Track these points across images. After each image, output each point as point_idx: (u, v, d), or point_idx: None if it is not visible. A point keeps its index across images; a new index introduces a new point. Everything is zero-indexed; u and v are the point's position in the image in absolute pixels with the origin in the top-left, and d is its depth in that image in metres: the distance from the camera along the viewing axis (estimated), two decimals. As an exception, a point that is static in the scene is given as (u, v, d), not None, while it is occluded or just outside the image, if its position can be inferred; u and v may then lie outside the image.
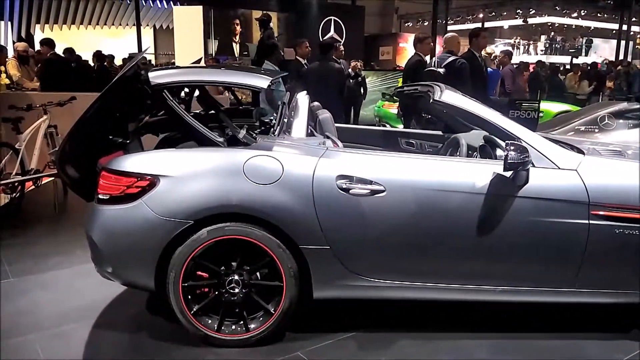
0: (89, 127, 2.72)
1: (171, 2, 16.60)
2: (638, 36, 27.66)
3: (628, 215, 2.51)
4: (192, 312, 2.54)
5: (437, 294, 2.65)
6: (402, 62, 19.83)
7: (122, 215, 2.48)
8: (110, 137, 2.91)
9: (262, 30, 8.70)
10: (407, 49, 22.67)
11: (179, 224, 2.44)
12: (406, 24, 26.31)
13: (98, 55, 9.62)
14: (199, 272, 2.55)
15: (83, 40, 17.37)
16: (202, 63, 6.64)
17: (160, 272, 2.51)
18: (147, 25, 20.10)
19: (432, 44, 5.75)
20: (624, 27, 20.41)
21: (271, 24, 8.87)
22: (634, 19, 21.54)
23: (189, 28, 7.18)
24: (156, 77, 2.69)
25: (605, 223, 2.51)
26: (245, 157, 2.50)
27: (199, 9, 7.54)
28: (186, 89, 3.68)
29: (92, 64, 9.78)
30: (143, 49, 14.37)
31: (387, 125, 8.59)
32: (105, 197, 2.51)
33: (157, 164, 2.51)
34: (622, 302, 2.66)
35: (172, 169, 2.49)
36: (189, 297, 2.55)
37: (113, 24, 19.65)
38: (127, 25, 19.85)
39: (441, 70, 5.05)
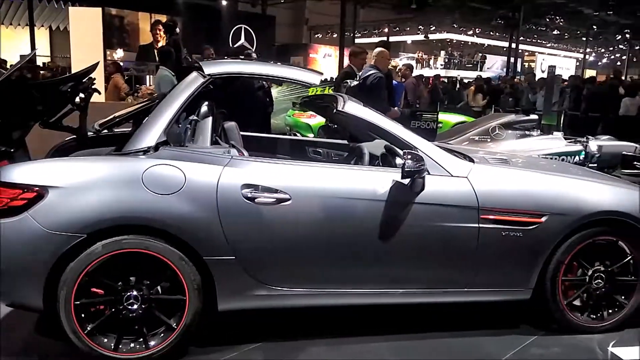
0: None
1: (69, 2, 15.55)
2: (526, 54, 30.38)
3: (513, 219, 2.71)
4: (86, 331, 2.38)
5: (344, 299, 2.71)
6: (312, 72, 20.14)
7: (6, 230, 2.28)
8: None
9: (168, 35, 8.40)
10: (317, 59, 23.13)
11: (70, 238, 2.29)
12: (316, 35, 26.87)
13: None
14: (94, 289, 2.40)
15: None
16: (101, 67, 6.29)
17: (50, 290, 2.34)
18: (42, 25, 18.74)
19: (366, 58, 5.74)
20: (513, 45, 22.28)
21: (177, 30, 8.56)
22: (521, 38, 23.58)
23: (86, 30, 6.73)
24: (209, 66, 2.77)
25: (493, 226, 2.69)
26: (144, 167, 2.41)
27: (97, 11, 7.11)
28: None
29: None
30: (33, 51, 13.40)
31: (298, 134, 8.65)
32: (-15, 211, 2.29)
33: (45, 174, 2.35)
34: (512, 299, 2.86)
35: (63, 179, 2.33)
36: (83, 315, 2.38)
37: (2, 24, 18.11)
38: (19, 25, 18.41)
39: (353, 83, 5.15)
